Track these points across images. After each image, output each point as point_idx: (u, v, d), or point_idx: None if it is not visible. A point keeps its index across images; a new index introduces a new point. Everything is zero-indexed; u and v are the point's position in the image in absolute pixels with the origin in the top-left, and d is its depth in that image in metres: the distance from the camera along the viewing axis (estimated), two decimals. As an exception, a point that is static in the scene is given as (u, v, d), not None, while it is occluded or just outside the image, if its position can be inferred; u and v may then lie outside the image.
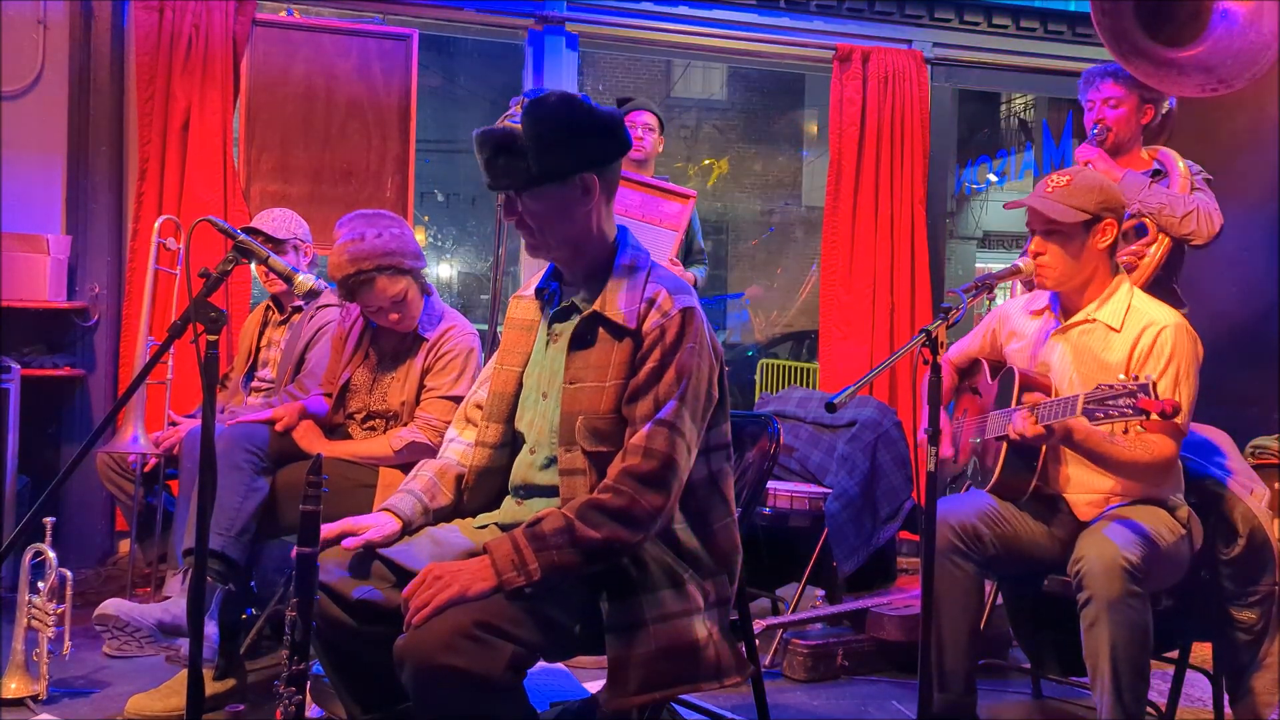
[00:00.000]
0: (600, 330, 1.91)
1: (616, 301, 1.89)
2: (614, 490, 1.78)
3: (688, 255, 4.12)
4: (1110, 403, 2.13)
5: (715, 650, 1.86)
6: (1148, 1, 3.31)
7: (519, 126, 1.83)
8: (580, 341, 1.92)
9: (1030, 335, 2.61)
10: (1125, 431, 2.33)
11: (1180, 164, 3.23)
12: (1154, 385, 2.10)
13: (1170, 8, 3.32)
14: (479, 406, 2.10)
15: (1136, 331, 2.43)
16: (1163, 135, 3.58)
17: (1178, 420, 2.32)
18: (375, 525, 1.96)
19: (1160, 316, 2.43)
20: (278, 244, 3.36)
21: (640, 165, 4.06)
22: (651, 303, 1.87)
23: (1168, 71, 3.24)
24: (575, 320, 1.94)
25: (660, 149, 4.20)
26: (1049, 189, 2.49)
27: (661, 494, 1.79)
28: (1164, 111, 3.36)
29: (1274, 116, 4.39)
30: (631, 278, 1.91)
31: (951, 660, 2.41)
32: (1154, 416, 2.10)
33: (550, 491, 1.94)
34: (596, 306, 1.91)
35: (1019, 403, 2.42)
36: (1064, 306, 2.56)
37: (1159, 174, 3.24)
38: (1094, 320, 2.49)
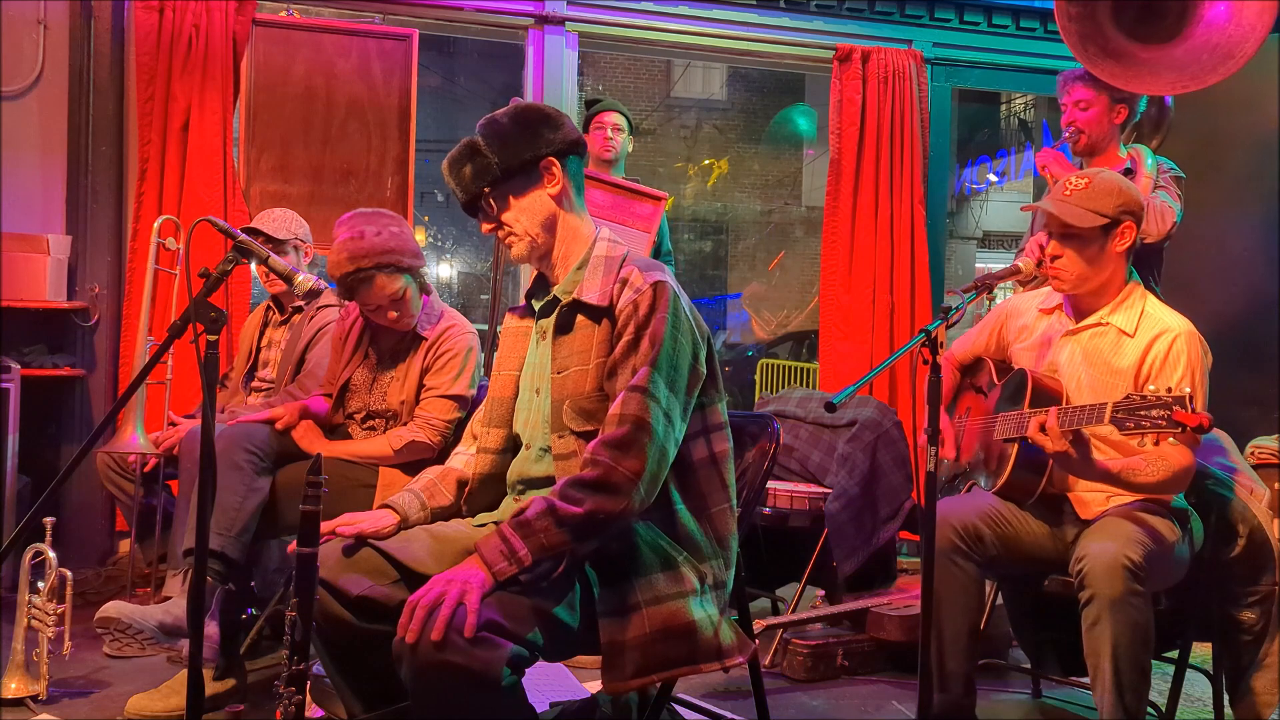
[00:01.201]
0: (579, 316, 1.95)
1: (593, 287, 1.93)
2: (591, 462, 1.79)
3: (655, 257, 4.11)
4: (1142, 414, 2.11)
5: (715, 631, 1.86)
6: (1131, 2, 3.34)
7: (476, 136, 1.95)
8: (563, 331, 1.96)
9: (1039, 333, 2.61)
10: (1157, 443, 2.32)
11: (1148, 163, 3.25)
12: (1190, 399, 2.08)
13: (1158, 8, 3.33)
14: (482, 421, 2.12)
15: (1150, 337, 2.42)
16: (1158, 135, 3.63)
17: None
18: (371, 519, 2.00)
19: (1174, 324, 2.43)
20: (278, 244, 3.37)
21: (610, 166, 4.06)
22: (624, 282, 1.91)
23: (1138, 71, 3.26)
24: (556, 312, 1.98)
25: (631, 148, 4.19)
26: (1067, 192, 2.47)
27: (637, 458, 1.78)
28: (1139, 110, 3.37)
29: (1275, 117, 4.39)
30: (607, 265, 1.96)
31: (951, 660, 2.41)
32: (1189, 430, 2.08)
33: (547, 482, 1.95)
34: (575, 294, 1.95)
35: (1032, 406, 2.42)
36: (1076, 308, 2.55)
37: (1129, 174, 3.25)
38: (1107, 324, 2.49)
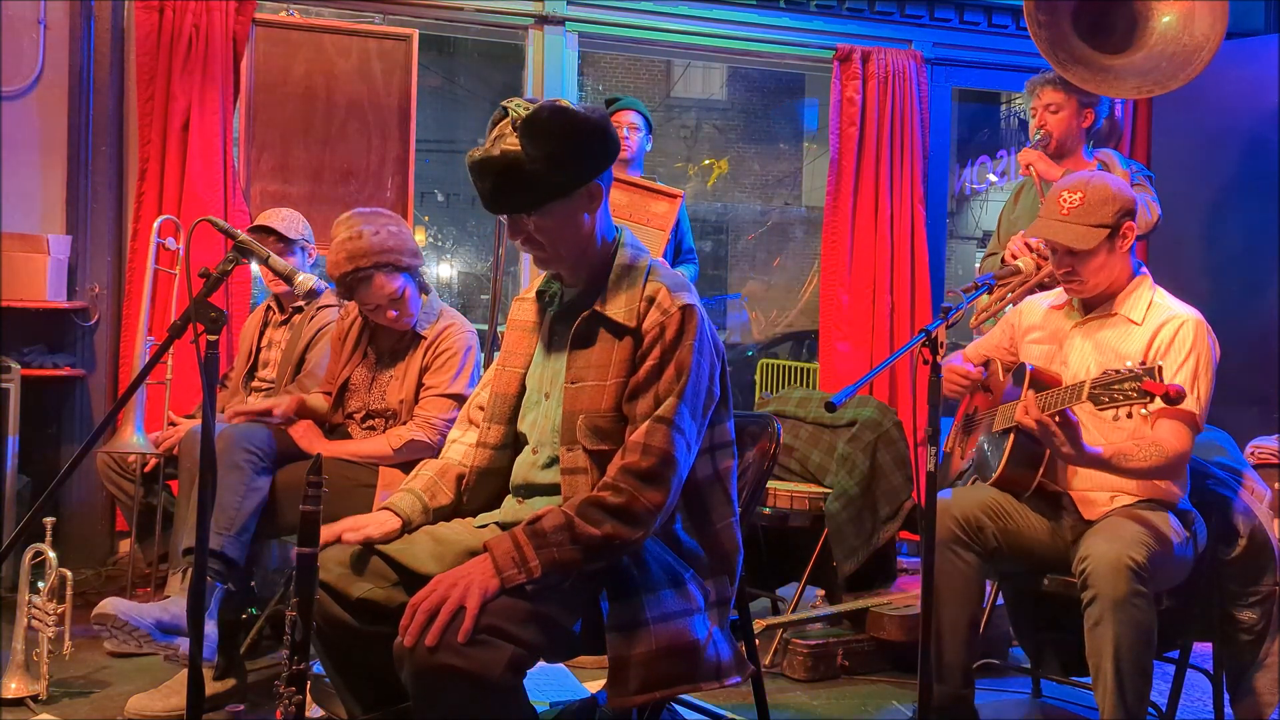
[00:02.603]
0: (601, 329, 1.91)
1: (617, 300, 1.90)
2: (614, 488, 1.78)
3: (678, 254, 4.11)
4: (1116, 387, 2.13)
5: (715, 650, 1.86)
6: (1086, 13, 3.48)
7: (518, 148, 1.79)
8: (581, 341, 1.92)
9: (1049, 329, 2.62)
10: (1130, 416, 2.33)
11: (1119, 165, 3.35)
12: (1159, 370, 2.11)
13: (1109, 19, 3.49)
14: (481, 408, 2.10)
15: (1157, 325, 2.44)
16: (1112, 139, 3.83)
17: (1194, 411, 2.32)
18: (375, 523, 1.98)
19: (1181, 311, 2.45)
20: (288, 243, 3.38)
21: (626, 165, 4.05)
22: (651, 301, 1.87)
23: (1105, 76, 3.40)
24: (576, 320, 1.94)
25: (649, 147, 4.18)
26: (1064, 210, 2.47)
27: (661, 491, 1.79)
28: (1103, 115, 3.48)
29: (1274, 115, 4.39)
30: (630, 276, 1.92)
31: (950, 652, 2.41)
32: (1158, 400, 2.09)
33: (552, 490, 1.95)
34: (597, 306, 1.91)
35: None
36: (1085, 301, 2.57)
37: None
38: (1115, 314, 2.50)
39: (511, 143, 1.80)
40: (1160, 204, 3.30)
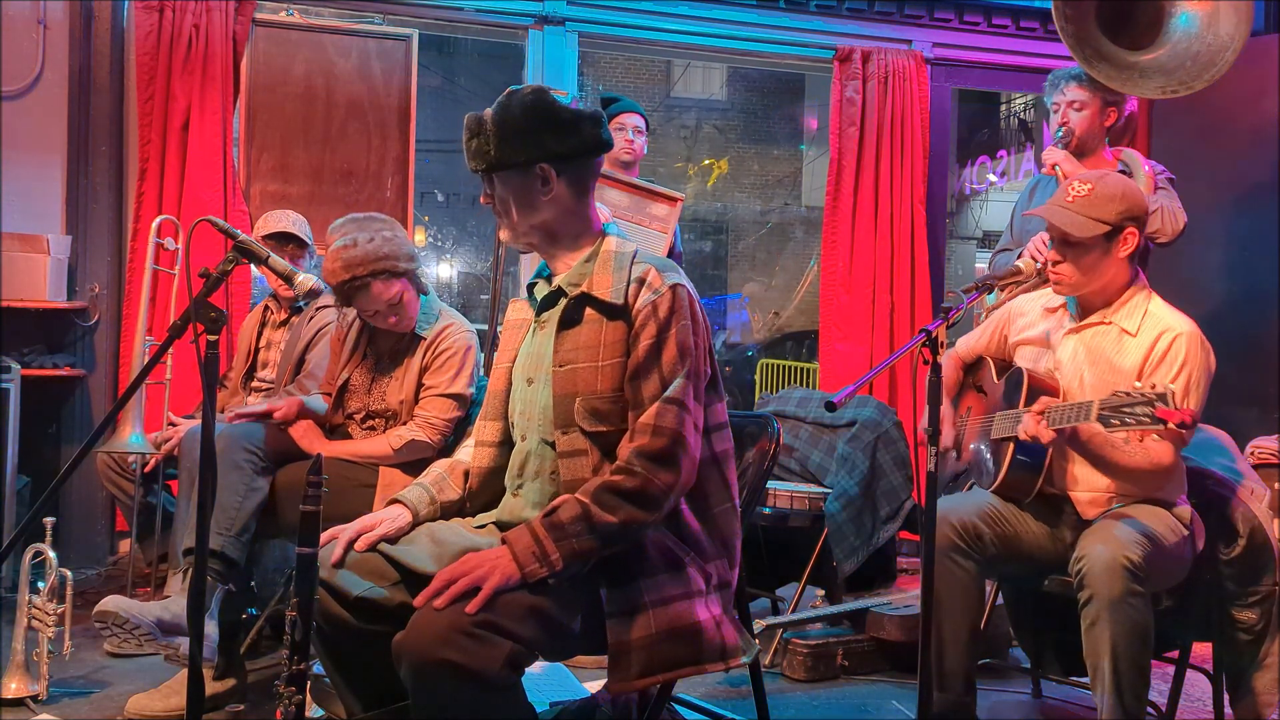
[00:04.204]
0: (588, 310, 1.92)
1: (604, 282, 1.91)
2: (627, 471, 1.79)
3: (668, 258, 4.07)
4: (1126, 410, 2.11)
5: (719, 632, 1.86)
6: (1109, 7, 3.47)
7: (491, 111, 1.91)
8: (568, 324, 1.93)
9: (1042, 331, 2.61)
10: (1141, 440, 2.32)
11: (1144, 166, 3.32)
12: (1173, 395, 2.08)
13: (1130, 13, 3.48)
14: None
15: (1153, 337, 2.42)
16: (1125, 136, 3.83)
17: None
18: (388, 519, 1.99)
19: (1176, 323, 2.42)
20: (303, 247, 3.41)
21: (627, 166, 4.03)
22: (641, 281, 1.89)
23: (1130, 74, 3.39)
24: (562, 304, 1.95)
25: (644, 151, 4.16)
26: (1069, 198, 2.45)
27: (673, 472, 1.80)
28: (1124, 115, 3.46)
29: (1274, 116, 4.39)
30: (618, 261, 1.94)
31: (951, 659, 2.41)
32: (1171, 426, 2.08)
33: (538, 476, 1.95)
34: (584, 288, 1.92)
35: (1027, 404, 2.42)
36: (1080, 306, 2.55)
37: (1124, 175, 3.28)
38: (1110, 323, 2.48)
39: (492, 109, 1.91)
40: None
